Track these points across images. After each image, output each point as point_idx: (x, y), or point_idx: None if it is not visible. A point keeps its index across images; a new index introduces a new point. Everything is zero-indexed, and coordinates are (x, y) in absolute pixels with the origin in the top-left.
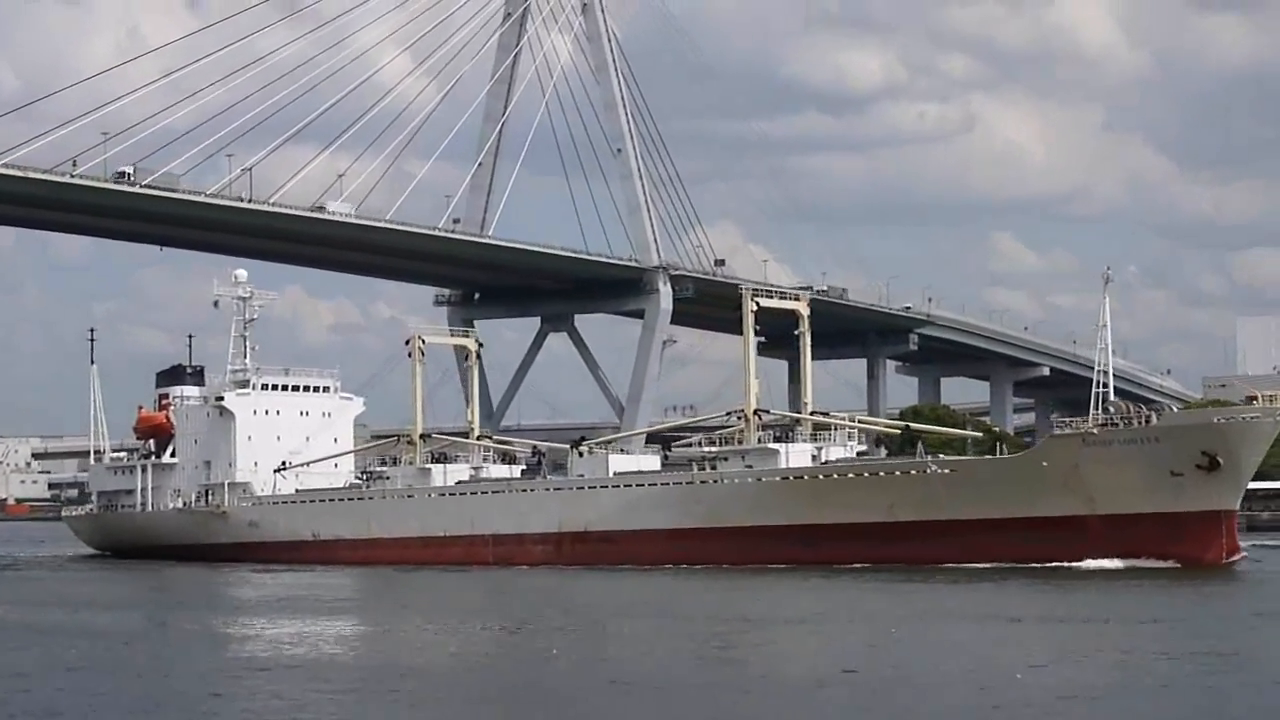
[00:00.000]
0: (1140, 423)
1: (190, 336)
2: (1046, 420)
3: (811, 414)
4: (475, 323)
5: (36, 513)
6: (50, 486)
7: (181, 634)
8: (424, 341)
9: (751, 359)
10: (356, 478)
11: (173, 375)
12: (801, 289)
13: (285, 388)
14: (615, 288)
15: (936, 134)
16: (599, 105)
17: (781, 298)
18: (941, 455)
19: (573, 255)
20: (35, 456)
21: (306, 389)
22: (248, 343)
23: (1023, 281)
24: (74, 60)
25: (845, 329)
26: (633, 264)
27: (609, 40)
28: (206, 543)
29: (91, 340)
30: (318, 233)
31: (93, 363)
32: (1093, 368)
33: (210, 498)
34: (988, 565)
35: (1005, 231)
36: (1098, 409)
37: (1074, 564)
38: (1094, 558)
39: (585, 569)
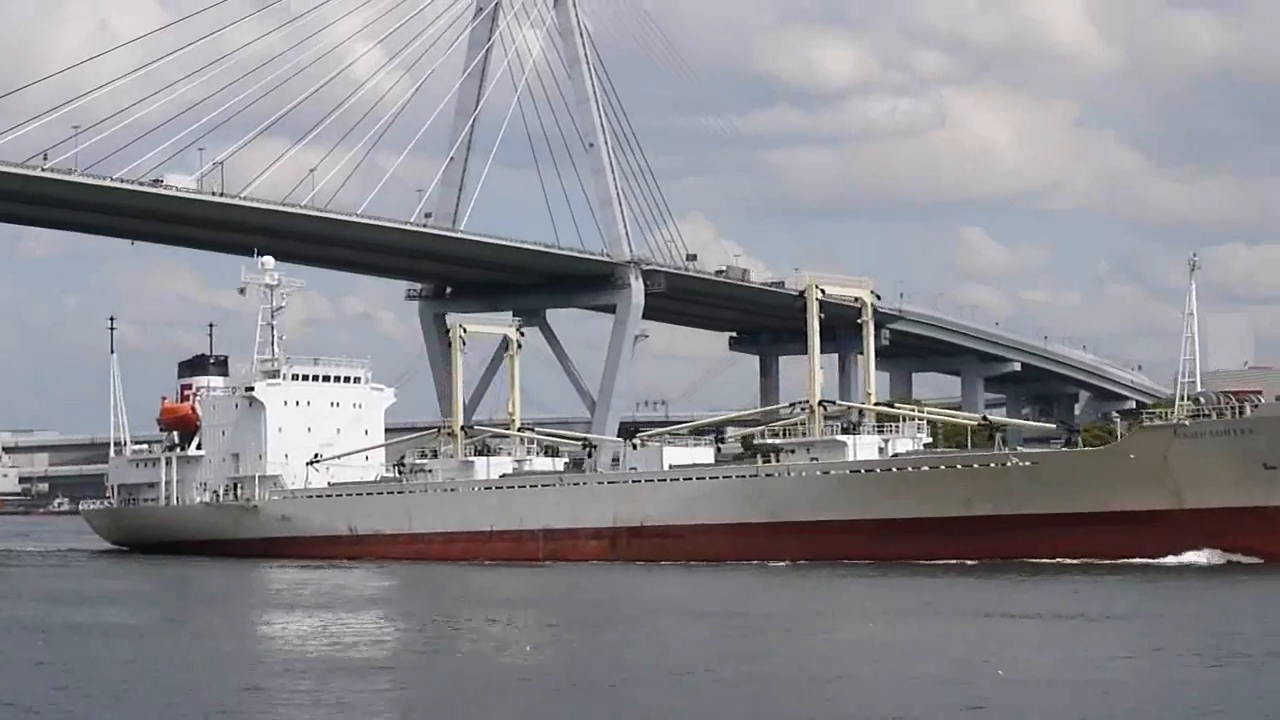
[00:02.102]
0: (1233, 413)
1: (211, 326)
2: (1018, 415)
3: (876, 405)
4: (446, 317)
5: (5, 507)
6: (22, 481)
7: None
8: (465, 330)
9: (815, 348)
10: (388, 471)
11: (195, 365)
12: (773, 284)
13: (316, 378)
14: (587, 282)
15: (909, 129)
16: (571, 100)
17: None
18: (1020, 448)
19: (544, 250)
20: (6, 451)
21: (338, 379)
22: (275, 331)
23: (994, 277)
24: (44, 54)
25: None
26: (604, 259)
27: (581, 35)
28: (235, 538)
29: (111, 329)
30: (290, 227)
31: (112, 352)
32: (1063, 363)
33: (240, 491)
34: (1070, 561)
35: (977, 227)
36: (1184, 399)
37: (1157, 559)
38: (1179, 553)
39: (645, 565)
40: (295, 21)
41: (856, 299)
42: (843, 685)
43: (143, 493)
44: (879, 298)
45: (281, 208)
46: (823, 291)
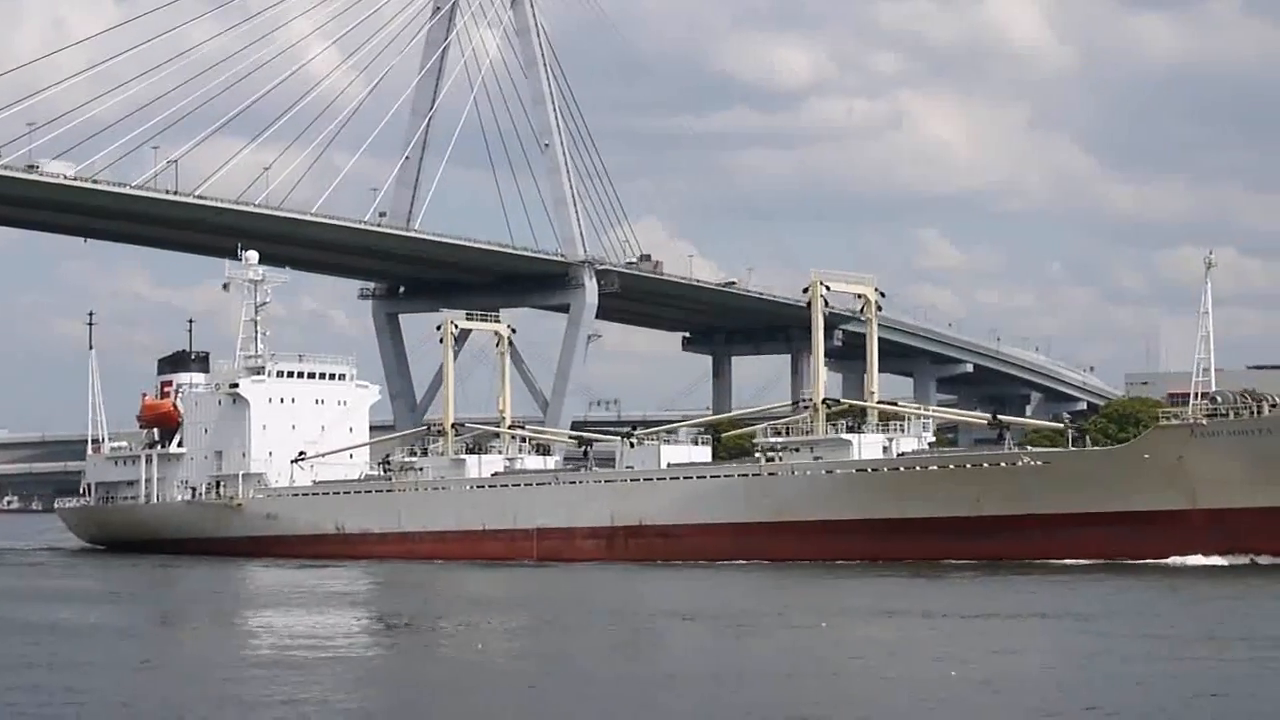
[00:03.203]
0: (1251, 413)
1: (191, 321)
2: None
3: (878, 404)
4: (400, 317)
5: None
6: None
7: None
8: (457, 327)
9: (819, 345)
10: (372, 469)
11: (175, 362)
12: (726, 284)
13: (301, 375)
14: (541, 282)
15: (865, 130)
16: (527, 100)
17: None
18: (1032, 448)
19: (499, 249)
20: None
21: (323, 376)
22: (258, 327)
23: (947, 278)
24: None
25: (770, 324)
26: (559, 258)
27: (538, 35)
28: (218, 536)
29: (90, 325)
30: (244, 225)
31: (91, 348)
32: (1015, 364)
33: (223, 489)
34: (1082, 562)
35: (931, 228)
36: (1199, 399)
37: (1172, 560)
38: (1194, 554)
39: (643, 565)
40: (251, 20)
41: (860, 295)
42: (765, 683)
43: (121, 491)
44: (883, 295)
45: (236, 206)
46: (828, 288)
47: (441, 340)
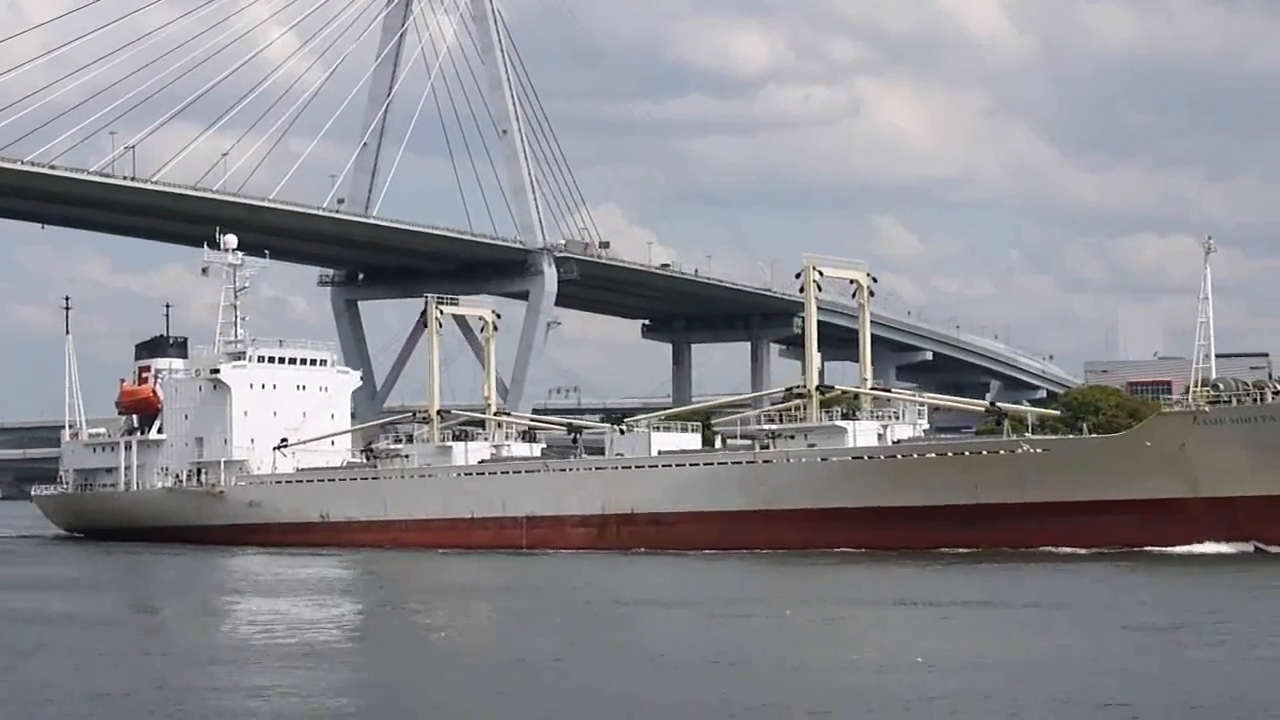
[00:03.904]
0: (1255, 400)
1: (168, 306)
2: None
3: (872, 390)
4: (359, 304)
5: None
6: None
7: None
8: (442, 311)
9: (813, 332)
10: (354, 456)
11: (153, 347)
12: (685, 273)
13: (282, 360)
14: (500, 269)
15: (822, 117)
16: (485, 86)
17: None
18: (1028, 434)
19: (457, 236)
20: None
21: (304, 362)
22: (238, 312)
23: (905, 266)
24: None
25: (729, 312)
26: (517, 245)
27: (495, 21)
28: (200, 524)
29: (67, 309)
30: (200, 211)
31: (68, 333)
32: (974, 352)
33: (204, 476)
34: (1083, 550)
35: (889, 216)
36: (1199, 386)
37: (1171, 548)
38: (1194, 542)
39: (634, 554)
40: (208, 5)
41: (852, 280)
42: (705, 670)
43: (100, 478)
44: (875, 280)
45: (193, 192)
46: (821, 273)
47: (426, 325)
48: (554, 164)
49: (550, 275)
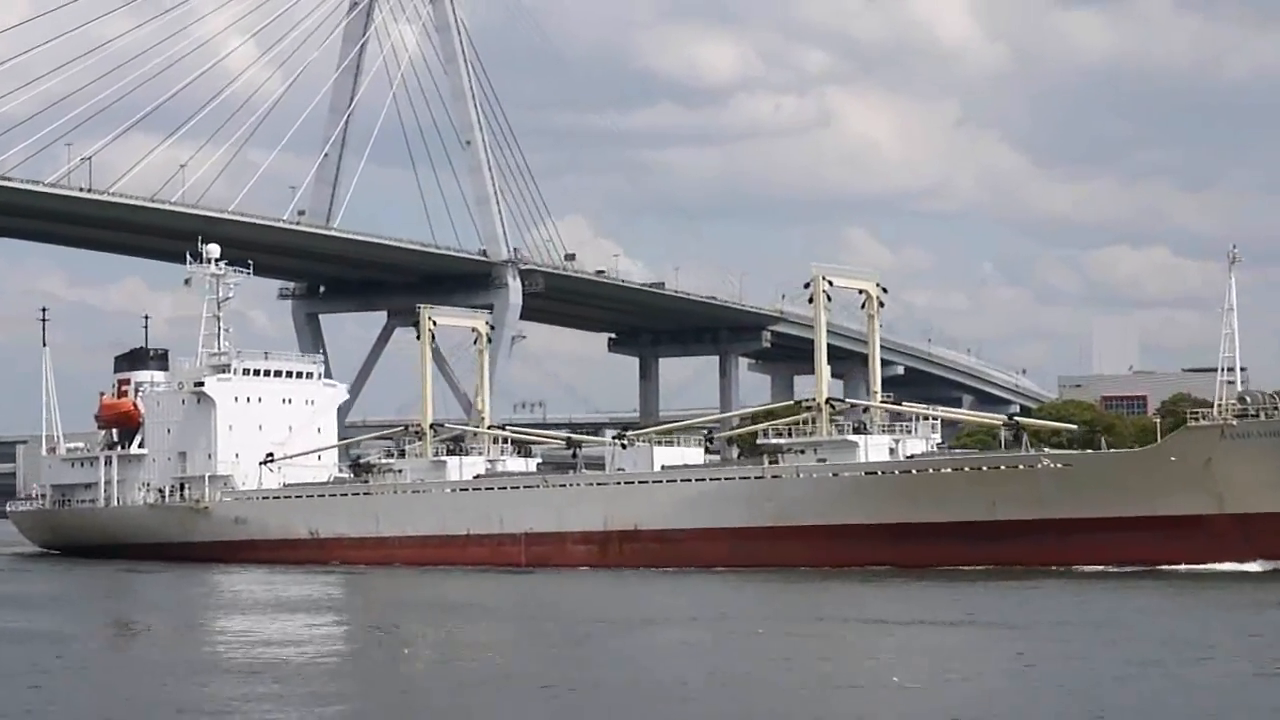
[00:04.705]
0: None
1: (146, 317)
2: None
3: (880, 404)
4: (320, 317)
5: None
6: None
7: None
8: (435, 323)
9: (822, 344)
10: (340, 471)
11: (133, 359)
12: (653, 285)
13: (268, 373)
14: (464, 281)
15: (792, 128)
16: (448, 96)
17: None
18: (1047, 449)
19: (420, 248)
20: None
21: (290, 374)
22: (221, 324)
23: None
24: None
25: (698, 325)
26: (481, 258)
27: (458, 30)
28: (183, 540)
29: (44, 321)
30: (158, 223)
31: (44, 345)
32: (946, 366)
33: (187, 492)
34: (1104, 568)
35: (859, 227)
36: (1224, 399)
37: (1196, 566)
38: (1220, 560)
39: (638, 571)
40: (166, 15)
41: (862, 290)
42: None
43: (78, 493)
44: (885, 290)
45: (151, 204)
46: (830, 283)
47: (419, 336)
48: (518, 175)
49: (515, 288)
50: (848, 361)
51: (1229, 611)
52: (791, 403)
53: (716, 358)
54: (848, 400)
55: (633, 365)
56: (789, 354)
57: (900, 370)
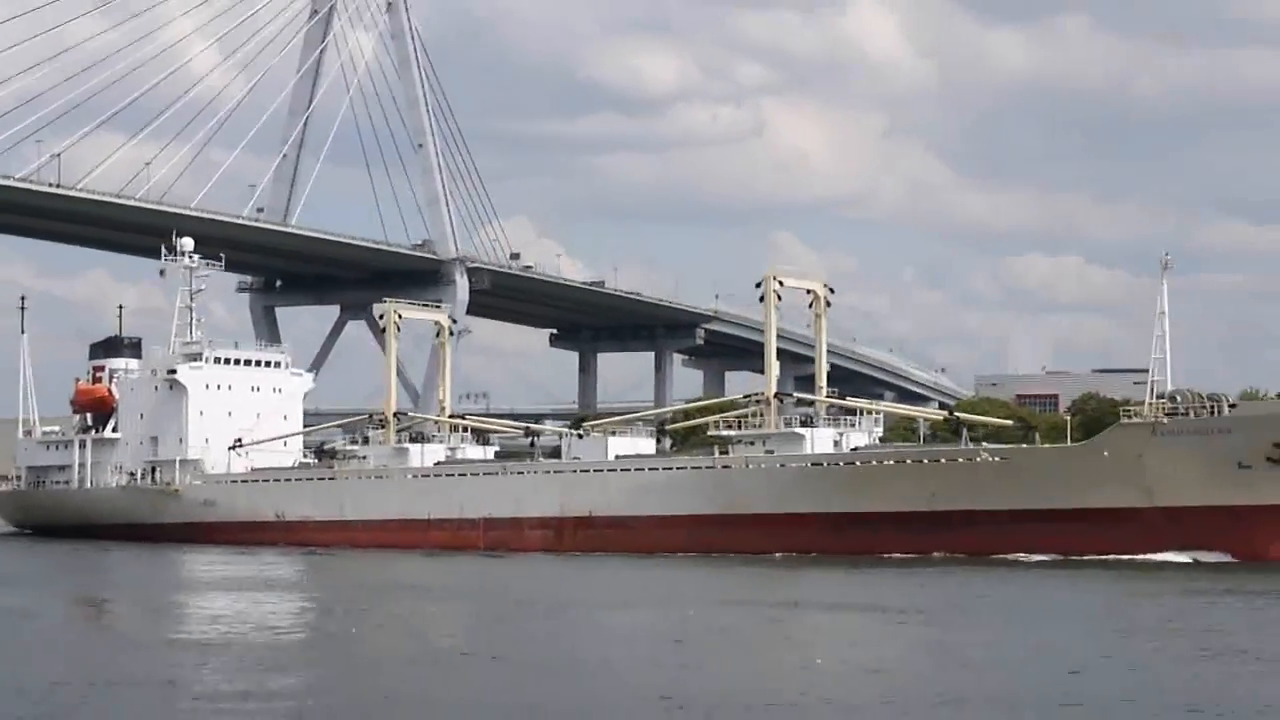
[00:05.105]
0: (1211, 412)
1: (120, 307)
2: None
3: (826, 399)
4: (278, 310)
5: None
6: None
7: None
8: (400, 316)
9: (772, 341)
10: (305, 457)
11: (108, 347)
12: (594, 284)
13: (238, 362)
14: (413, 278)
15: (727, 137)
16: (402, 101)
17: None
18: (987, 444)
19: (372, 246)
20: None
21: (259, 363)
22: (194, 314)
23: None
24: None
25: (634, 323)
26: (430, 256)
27: (412, 39)
28: (153, 522)
29: (23, 309)
30: (123, 218)
31: (23, 331)
32: (869, 364)
33: (158, 475)
34: (1039, 557)
35: (789, 232)
36: (1160, 398)
37: (1126, 556)
38: (1150, 551)
39: (590, 556)
40: (134, 19)
41: (809, 290)
42: (588, 669)
43: (53, 475)
44: (832, 291)
45: (117, 200)
46: (781, 283)
47: (384, 330)
48: (467, 177)
49: (462, 285)
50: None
51: (1149, 599)
52: (741, 397)
53: (652, 354)
54: (795, 395)
55: (573, 359)
56: (720, 351)
57: (829, 367)
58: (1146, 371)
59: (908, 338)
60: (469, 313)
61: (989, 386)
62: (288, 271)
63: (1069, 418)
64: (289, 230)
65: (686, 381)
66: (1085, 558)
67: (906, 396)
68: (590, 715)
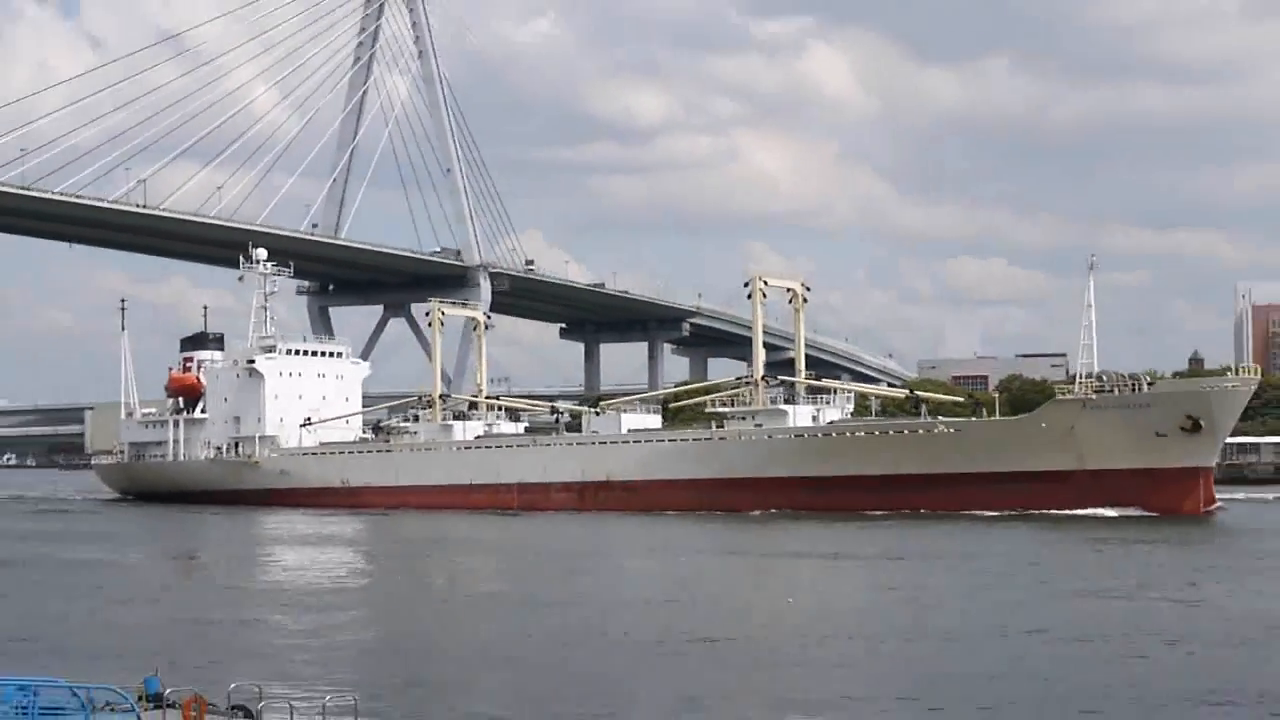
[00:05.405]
0: (1133, 389)
1: (205, 308)
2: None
3: (806, 380)
4: (331, 310)
5: None
6: None
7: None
8: (444, 313)
9: (759, 332)
10: (364, 433)
11: (196, 341)
12: (595, 285)
13: (306, 352)
14: (444, 282)
15: (706, 161)
16: (432, 133)
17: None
18: (942, 417)
19: (410, 255)
20: None
21: (323, 354)
22: (268, 313)
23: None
24: None
25: (631, 318)
26: (458, 263)
27: (440, 81)
28: (236, 488)
29: (123, 309)
30: (199, 234)
31: (123, 329)
32: (829, 351)
33: (240, 449)
34: (990, 513)
35: (760, 241)
36: (1088, 378)
37: (1060, 511)
38: (1080, 507)
39: (608, 514)
40: (205, 66)
41: (789, 288)
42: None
43: (151, 450)
44: (809, 289)
45: (195, 217)
46: (765, 282)
47: (430, 325)
48: (488, 196)
49: (485, 287)
50: (749, 347)
51: (1075, 545)
52: (733, 379)
53: (646, 344)
54: (780, 378)
55: (579, 349)
56: (703, 341)
57: (791, 354)
58: (1063, 356)
59: (860, 328)
60: (491, 310)
61: (929, 369)
62: (339, 277)
63: (997, 395)
64: (340, 242)
65: (676, 366)
66: (1028, 513)
67: (860, 378)
68: (598, 644)
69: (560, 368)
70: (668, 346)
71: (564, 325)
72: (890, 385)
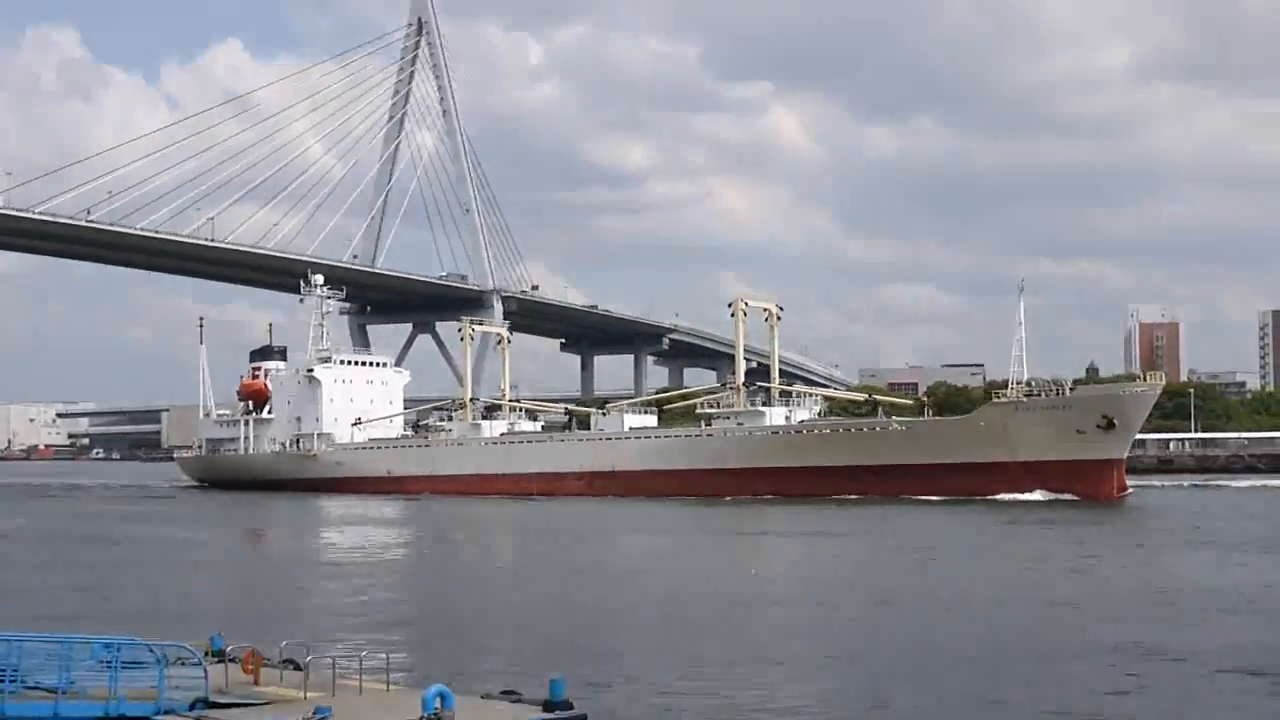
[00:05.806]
0: (1057, 393)
1: (270, 325)
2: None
3: (780, 386)
4: (368, 327)
5: (59, 455)
6: (69, 437)
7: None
8: (475, 328)
9: (740, 348)
10: (406, 431)
11: (263, 353)
12: (590, 307)
13: (356, 363)
14: (463, 304)
15: (683, 202)
16: (454, 178)
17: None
18: (896, 417)
19: (434, 281)
20: (58, 416)
21: (370, 364)
22: (324, 330)
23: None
24: (86, 140)
25: (619, 334)
26: (475, 287)
27: (461, 135)
28: (297, 477)
29: (201, 327)
30: (260, 264)
31: (201, 343)
32: (784, 362)
33: (301, 444)
34: (936, 498)
35: (729, 270)
36: (1019, 384)
37: (996, 496)
38: (1014, 492)
39: (613, 499)
40: (263, 121)
41: (765, 309)
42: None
43: (224, 445)
44: (781, 309)
45: (255, 249)
46: (746, 304)
47: (462, 339)
48: (501, 231)
49: (498, 309)
50: (718, 358)
51: (1008, 525)
52: (715, 385)
53: (632, 356)
54: (758, 383)
55: (576, 360)
56: (680, 354)
57: (754, 365)
58: (980, 365)
59: (812, 342)
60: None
61: (869, 378)
62: (375, 299)
63: (926, 399)
64: (376, 270)
65: (656, 375)
66: (970, 498)
67: (811, 385)
68: (594, 598)
69: (561, 376)
70: (650, 358)
71: (563, 340)
72: (835, 390)
